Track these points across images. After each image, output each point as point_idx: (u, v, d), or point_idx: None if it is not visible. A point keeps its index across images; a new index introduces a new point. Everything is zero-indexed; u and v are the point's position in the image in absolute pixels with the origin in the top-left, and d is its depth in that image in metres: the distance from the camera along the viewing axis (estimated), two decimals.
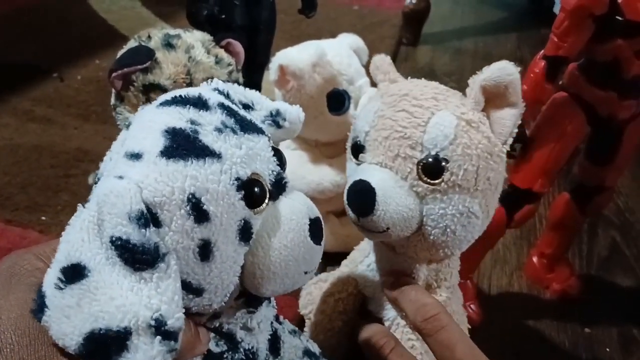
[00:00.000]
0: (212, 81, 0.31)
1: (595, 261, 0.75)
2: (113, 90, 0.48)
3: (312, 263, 0.29)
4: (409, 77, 0.39)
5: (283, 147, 0.65)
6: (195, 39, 0.49)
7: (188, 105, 0.27)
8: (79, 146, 0.84)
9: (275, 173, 0.28)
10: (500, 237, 0.61)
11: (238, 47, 0.52)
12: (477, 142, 0.34)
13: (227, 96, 0.30)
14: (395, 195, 0.34)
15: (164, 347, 0.22)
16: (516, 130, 0.36)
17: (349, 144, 0.39)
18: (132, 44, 0.49)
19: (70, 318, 0.22)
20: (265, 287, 0.28)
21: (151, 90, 0.46)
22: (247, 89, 0.33)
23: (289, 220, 0.28)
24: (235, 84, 0.32)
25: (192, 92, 0.29)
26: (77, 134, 0.87)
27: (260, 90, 0.71)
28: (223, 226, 0.25)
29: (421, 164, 0.34)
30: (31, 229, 0.69)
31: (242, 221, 0.26)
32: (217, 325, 0.30)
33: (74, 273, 0.22)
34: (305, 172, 0.64)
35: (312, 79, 0.59)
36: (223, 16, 0.63)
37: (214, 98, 0.29)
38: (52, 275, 0.23)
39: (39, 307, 0.22)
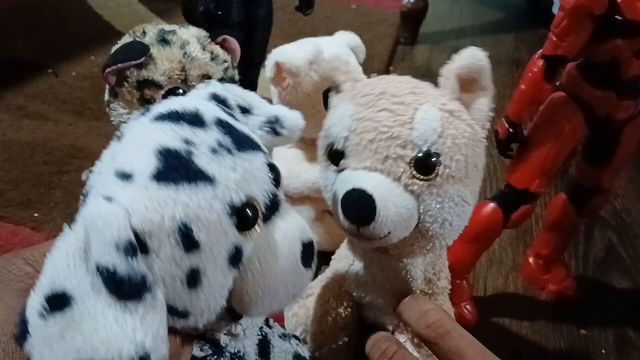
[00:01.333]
0: (209, 82, 0.30)
1: (592, 262, 0.75)
2: (107, 86, 0.48)
3: (301, 287, 0.29)
4: (408, 76, 0.37)
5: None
6: (190, 35, 0.49)
7: (183, 122, 0.26)
8: (72, 143, 0.83)
9: (269, 194, 0.27)
10: (496, 237, 0.61)
11: (234, 43, 0.51)
12: (462, 131, 0.34)
13: (224, 102, 0.29)
14: (393, 198, 0.33)
15: None
16: (492, 114, 0.36)
17: (322, 152, 0.38)
18: (126, 39, 0.49)
19: (53, 349, 0.21)
20: (252, 310, 0.28)
21: (145, 86, 0.46)
22: (247, 90, 0.32)
23: (281, 245, 0.27)
24: (235, 86, 0.31)
25: (188, 106, 0.27)
26: (71, 130, 0.87)
27: (256, 88, 0.71)
28: (213, 254, 0.24)
29: (413, 161, 0.33)
30: (23, 226, 0.68)
31: (233, 247, 0.25)
32: (200, 331, 0.29)
33: (58, 301, 0.22)
34: (301, 170, 0.64)
35: (308, 77, 0.59)
36: (219, 12, 0.62)
37: (210, 112, 0.27)
38: (35, 302, 0.22)
39: (22, 333, 0.22)
